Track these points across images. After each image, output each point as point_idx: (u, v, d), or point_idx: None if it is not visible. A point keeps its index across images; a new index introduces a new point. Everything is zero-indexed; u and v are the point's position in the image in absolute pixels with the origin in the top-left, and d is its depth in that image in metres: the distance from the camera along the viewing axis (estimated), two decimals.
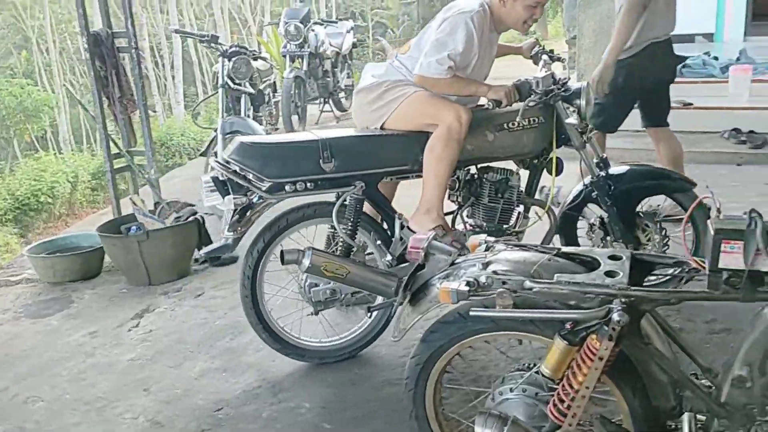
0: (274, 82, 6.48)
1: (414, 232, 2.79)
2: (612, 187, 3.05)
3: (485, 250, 1.87)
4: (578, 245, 3.18)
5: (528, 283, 1.67)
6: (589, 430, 1.78)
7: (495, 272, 1.72)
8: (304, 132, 3.00)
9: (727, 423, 1.65)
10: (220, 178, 2.73)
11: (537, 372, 1.80)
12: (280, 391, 2.82)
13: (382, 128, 2.97)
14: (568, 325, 1.63)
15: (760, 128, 5.56)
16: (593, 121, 3.63)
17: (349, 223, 2.82)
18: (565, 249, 1.83)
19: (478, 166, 3.05)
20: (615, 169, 3.12)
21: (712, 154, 5.38)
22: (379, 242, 2.90)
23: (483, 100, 2.97)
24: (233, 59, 5.03)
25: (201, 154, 5.29)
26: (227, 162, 2.73)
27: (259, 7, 22.52)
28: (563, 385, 1.68)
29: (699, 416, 1.71)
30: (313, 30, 7.44)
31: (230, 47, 5.07)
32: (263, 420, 2.64)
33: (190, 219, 4.12)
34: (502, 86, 2.90)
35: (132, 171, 4.60)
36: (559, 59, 3.22)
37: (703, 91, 6.31)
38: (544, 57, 3.16)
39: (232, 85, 5.11)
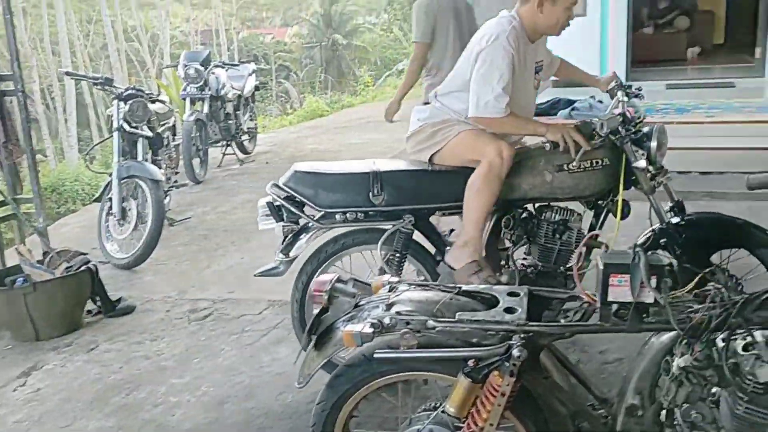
0: (174, 125, 6.33)
1: (452, 267, 2.79)
2: (683, 236, 2.80)
3: (389, 291, 1.88)
4: None
5: (431, 323, 1.68)
6: None
7: (398, 313, 1.73)
8: (360, 161, 3.00)
9: None
10: (275, 204, 2.86)
11: (443, 411, 1.80)
12: None
13: (430, 162, 2.94)
14: (471, 363, 1.66)
15: None
16: None
17: (397, 254, 2.84)
18: (465, 287, 1.87)
19: (536, 205, 2.94)
20: (690, 216, 2.88)
21: None
22: (425, 271, 2.94)
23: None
24: (129, 102, 4.89)
25: (95, 200, 5.07)
26: (283, 188, 2.86)
27: (158, 50, 22.15)
28: (468, 423, 1.70)
29: None
30: (213, 72, 7.36)
31: (125, 90, 4.93)
32: None
33: (82, 268, 3.91)
34: (561, 127, 2.80)
35: (18, 219, 4.34)
36: (637, 95, 3.07)
37: None
38: (619, 93, 3.02)
39: (128, 128, 4.96)
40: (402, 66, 18.68)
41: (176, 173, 6.26)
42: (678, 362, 1.56)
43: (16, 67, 4.00)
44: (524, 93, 2.95)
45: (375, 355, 1.74)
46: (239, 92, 7.89)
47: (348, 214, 2.82)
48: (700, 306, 1.56)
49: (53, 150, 18.60)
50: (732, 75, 9.34)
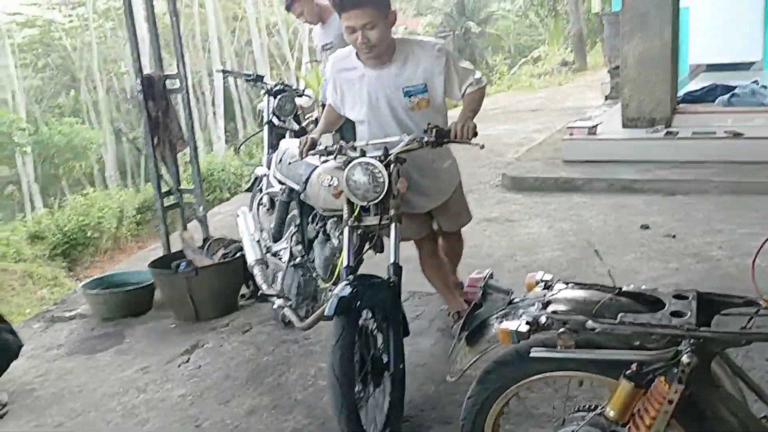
0: (317, 119, 6.55)
1: None
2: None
3: (544, 288, 1.85)
4: None
5: (591, 323, 1.64)
6: None
7: (555, 312, 1.70)
8: None
9: None
10: None
11: (600, 414, 1.75)
12: (331, 430, 2.80)
13: None
14: (633, 367, 1.60)
15: None
16: None
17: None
18: (626, 288, 1.80)
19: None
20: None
21: (767, 185, 5.25)
22: None
23: None
24: (278, 97, 5.12)
25: (246, 190, 5.36)
26: None
27: (297, 44, 23.01)
28: (629, 429, 1.64)
29: None
30: None
31: (275, 85, 5.16)
32: None
33: (237, 255, 4.16)
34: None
35: (180, 208, 4.69)
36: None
37: (754, 120, 6.20)
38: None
39: (276, 122, 5.19)
40: (538, 53, 18.16)
41: None
42: None
43: (181, 67, 4.31)
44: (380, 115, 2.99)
45: (532, 354, 1.71)
46: None
47: None
48: None
49: (202, 141, 19.91)
50: None
